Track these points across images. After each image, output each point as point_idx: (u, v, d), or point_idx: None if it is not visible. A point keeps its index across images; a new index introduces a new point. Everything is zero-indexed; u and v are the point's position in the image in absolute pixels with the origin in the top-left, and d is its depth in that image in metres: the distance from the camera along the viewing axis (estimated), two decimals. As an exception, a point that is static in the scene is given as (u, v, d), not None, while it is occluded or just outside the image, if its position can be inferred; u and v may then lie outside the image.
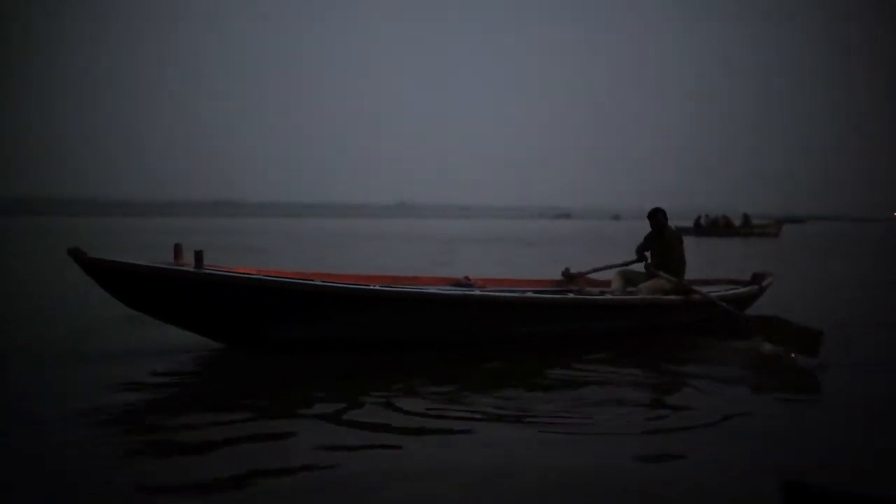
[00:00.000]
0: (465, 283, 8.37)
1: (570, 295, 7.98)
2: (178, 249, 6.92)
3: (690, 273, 8.94)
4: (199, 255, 6.41)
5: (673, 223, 9.10)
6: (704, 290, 8.55)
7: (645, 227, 9.17)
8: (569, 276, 9.06)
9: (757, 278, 9.43)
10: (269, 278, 6.61)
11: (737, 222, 44.79)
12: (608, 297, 7.98)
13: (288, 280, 6.65)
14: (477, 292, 7.53)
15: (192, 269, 6.34)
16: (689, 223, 44.92)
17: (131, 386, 5.62)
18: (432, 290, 7.33)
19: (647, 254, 8.80)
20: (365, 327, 6.66)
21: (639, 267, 8.75)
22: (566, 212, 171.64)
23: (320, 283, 6.77)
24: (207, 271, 6.39)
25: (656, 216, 8.80)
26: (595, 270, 9.15)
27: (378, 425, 4.67)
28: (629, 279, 8.64)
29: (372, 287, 6.96)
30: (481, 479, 3.81)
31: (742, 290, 8.91)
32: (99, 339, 7.33)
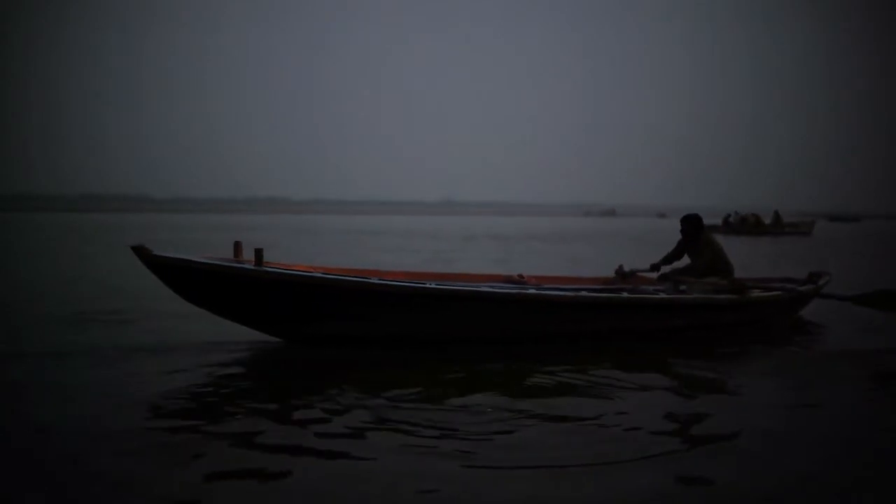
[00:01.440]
0: (519, 280, 8.39)
1: (624, 293, 7.97)
2: (238, 247, 7.07)
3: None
4: (258, 253, 6.55)
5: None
6: (759, 289, 8.48)
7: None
8: (622, 274, 9.04)
9: (813, 277, 9.34)
10: (326, 276, 6.72)
11: (767, 220, 43.58)
12: (662, 295, 7.96)
13: (344, 278, 6.76)
14: (531, 290, 7.55)
15: (251, 266, 6.48)
16: (718, 220, 44.29)
17: (189, 378, 5.76)
18: (486, 287, 7.37)
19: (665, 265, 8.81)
20: (420, 325, 6.73)
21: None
22: (611, 209, 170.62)
23: (376, 281, 6.87)
24: (267, 268, 6.52)
25: (690, 224, 8.80)
26: (653, 268, 9.09)
27: (417, 424, 4.68)
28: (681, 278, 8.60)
29: (427, 285, 7.03)
30: (527, 481, 3.84)
31: (799, 289, 8.82)
32: (165, 334, 7.48)
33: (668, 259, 8.97)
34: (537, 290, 7.71)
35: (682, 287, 8.34)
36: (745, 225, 42.69)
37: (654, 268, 8.82)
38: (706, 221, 8.99)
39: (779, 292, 8.54)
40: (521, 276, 8.55)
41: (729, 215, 45.41)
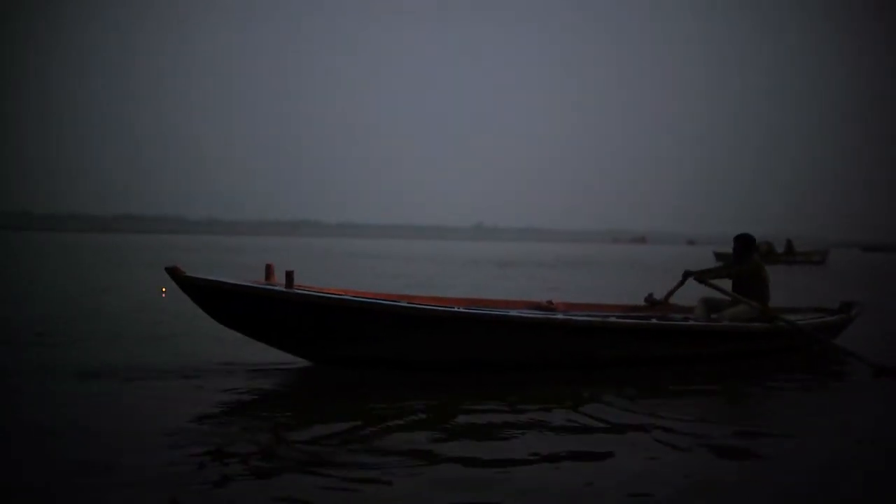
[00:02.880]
0: (548, 307, 8.39)
1: (653, 321, 7.96)
2: (269, 269, 7.15)
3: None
4: (289, 276, 6.64)
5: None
6: (790, 317, 8.43)
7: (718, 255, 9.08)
8: (652, 302, 9.00)
9: (845, 307, 9.25)
10: (356, 299, 6.79)
11: (779, 249, 42.74)
12: (691, 322, 7.94)
13: (374, 301, 6.82)
14: (560, 316, 7.56)
15: (283, 289, 6.56)
16: (728, 248, 43.74)
17: (217, 399, 5.83)
18: (514, 313, 7.39)
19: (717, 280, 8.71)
20: (448, 350, 6.76)
21: (719, 292, 8.67)
22: (641, 236, 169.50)
23: (406, 305, 6.91)
24: (298, 291, 6.59)
25: (740, 243, 8.73)
26: (671, 293, 9.00)
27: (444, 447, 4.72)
28: (712, 306, 8.57)
29: (457, 309, 7.07)
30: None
31: (830, 318, 8.75)
32: (195, 355, 7.56)
33: (716, 272, 8.83)
34: (566, 316, 7.71)
35: (714, 315, 8.31)
36: (757, 253, 42.13)
37: (702, 274, 8.67)
38: (720, 249, 8.92)
39: (810, 321, 8.48)
40: (549, 302, 8.56)
41: None
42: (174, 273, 6.43)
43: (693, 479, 4.20)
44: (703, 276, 8.52)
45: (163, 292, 13.41)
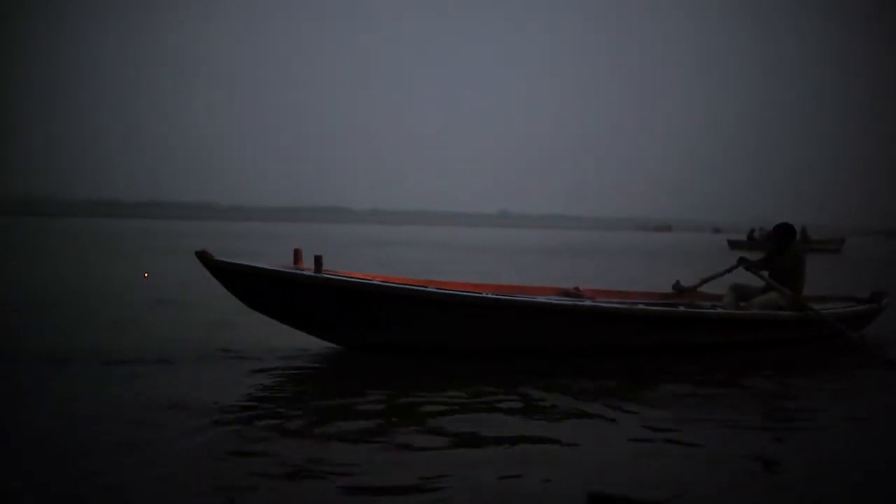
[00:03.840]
0: (575, 293, 8.37)
1: (682, 308, 7.93)
2: (298, 254, 7.19)
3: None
4: (318, 260, 6.68)
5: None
6: (820, 306, 8.36)
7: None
8: (679, 289, 8.94)
9: (876, 296, 9.17)
10: (385, 284, 6.82)
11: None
12: (720, 310, 7.90)
13: (403, 286, 6.85)
14: (588, 303, 7.55)
15: (311, 273, 6.60)
16: (743, 236, 43.32)
17: (248, 383, 5.93)
18: (542, 299, 7.39)
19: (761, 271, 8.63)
20: (477, 335, 6.78)
21: (749, 279, 8.60)
22: (667, 224, 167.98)
23: (435, 290, 6.94)
24: (326, 275, 6.63)
25: (780, 231, 8.67)
26: (704, 282, 8.98)
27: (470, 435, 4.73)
28: (741, 293, 8.51)
29: (486, 295, 7.08)
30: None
31: (860, 307, 8.68)
32: (226, 340, 7.63)
33: (757, 262, 8.75)
34: (593, 303, 7.70)
35: (742, 303, 8.26)
36: (771, 240, 41.43)
37: (754, 264, 8.60)
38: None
39: (840, 310, 8.42)
40: (577, 288, 8.54)
41: (753, 230, 44.47)
42: (204, 257, 6.50)
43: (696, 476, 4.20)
44: (755, 267, 8.45)
45: (145, 276, 14.34)
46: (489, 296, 7.10)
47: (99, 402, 5.15)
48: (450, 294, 6.87)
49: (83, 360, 6.40)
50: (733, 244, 44.37)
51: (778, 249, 8.62)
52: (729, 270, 8.72)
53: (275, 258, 7.06)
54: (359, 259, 22.62)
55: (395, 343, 6.76)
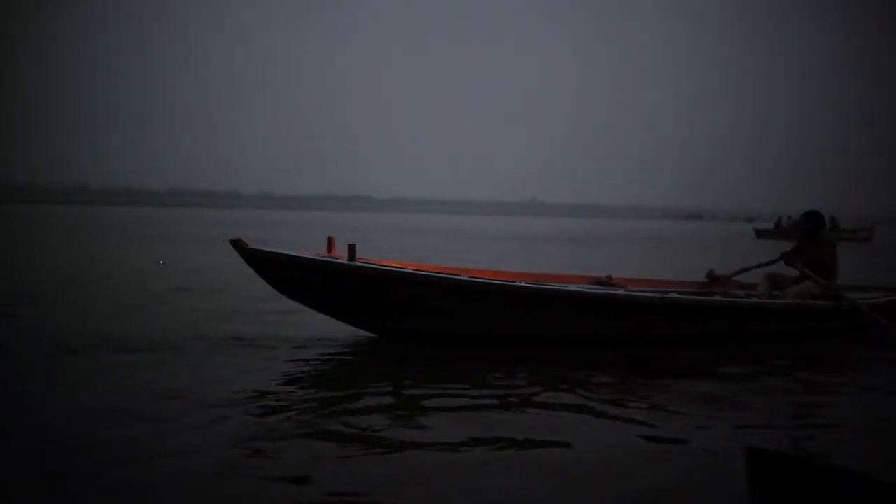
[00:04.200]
0: (608, 282, 8.31)
1: (716, 297, 7.86)
2: (330, 242, 7.21)
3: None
4: (351, 248, 6.70)
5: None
6: (856, 296, 8.25)
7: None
8: (713, 278, 8.85)
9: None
10: (419, 272, 6.82)
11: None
12: (754, 300, 7.82)
13: (437, 274, 6.85)
14: (622, 292, 7.50)
15: (345, 261, 6.61)
16: (770, 224, 42.84)
17: (282, 371, 5.94)
18: (575, 288, 7.35)
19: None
20: (510, 324, 6.76)
21: (783, 268, 8.51)
22: (697, 212, 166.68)
23: (468, 279, 6.93)
24: (360, 263, 6.65)
25: (808, 219, 8.56)
26: (740, 272, 8.92)
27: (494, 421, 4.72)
28: (776, 282, 8.41)
29: (517, 284, 7.06)
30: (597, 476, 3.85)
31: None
32: (258, 328, 7.66)
33: (790, 253, 8.65)
34: (627, 292, 7.65)
35: (776, 292, 8.17)
36: (799, 229, 40.84)
37: (784, 255, 8.51)
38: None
39: (876, 299, 8.30)
40: (609, 277, 8.47)
41: (781, 218, 43.94)
42: (238, 245, 6.54)
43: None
44: (797, 263, 8.36)
45: (160, 263, 14.51)
46: (522, 284, 7.07)
47: (125, 391, 5.16)
48: (483, 282, 6.86)
49: (98, 349, 6.39)
50: (760, 233, 43.87)
51: (806, 237, 8.53)
52: (769, 263, 8.63)
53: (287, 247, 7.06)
54: (380, 248, 22.67)
55: (427, 331, 6.77)
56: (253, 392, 5.24)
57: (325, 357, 6.43)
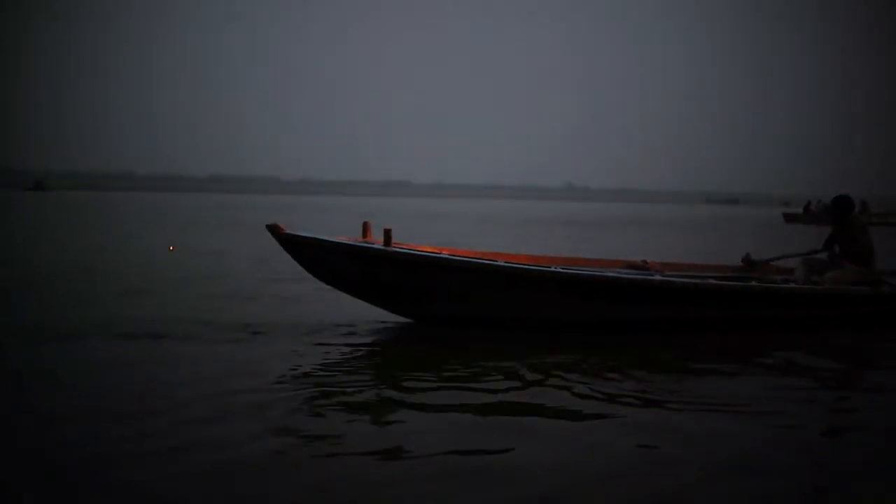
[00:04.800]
0: (643, 266, 8.28)
1: (753, 282, 7.81)
2: (366, 227, 7.27)
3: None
4: (388, 233, 6.74)
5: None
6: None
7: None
8: (749, 263, 8.78)
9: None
10: (455, 257, 6.85)
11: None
12: (792, 285, 7.76)
13: (473, 260, 6.88)
14: (658, 277, 7.48)
15: (382, 247, 6.66)
16: (799, 209, 42.03)
17: (319, 356, 5.99)
18: (612, 273, 7.34)
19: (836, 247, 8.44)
20: (546, 308, 6.78)
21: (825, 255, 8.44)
22: (734, 197, 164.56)
23: (503, 264, 6.95)
24: (397, 249, 6.70)
25: (836, 204, 8.48)
26: (779, 258, 8.85)
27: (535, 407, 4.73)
28: (813, 268, 8.33)
29: (554, 269, 7.07)
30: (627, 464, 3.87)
31: None
32: (297, 313, 7.74)
33: (828, 241, 8.57)
34: (664, 277, 7.62)
35: (814, 278, 8.09)
36: (828, 214, 40.05)
37: (828, 250, 8.45)
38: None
39: None
40: (645, 262, 8.44)
41: (809, 202, 43.01)
42: (275, 231, 6.62)
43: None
44: (839, 255, 8.28)
45: (171, 249, 14.73)
46: (558, 270, 7.08)
47: (152, 379, 5.16)
48: (519, 268, 6.87)
49: (97, 336, 6.40)
50: (789, 217, 42.95)
51: (837, 223, 8.44)
52: (811, 253, 8.53)
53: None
54: (414, 234, 22.74)
55: (464, 316, 6.80)
56: (294, 377, 5.32)
57: (361, 342, 6.47)
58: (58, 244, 16.73)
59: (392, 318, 7.12)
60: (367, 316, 7.22)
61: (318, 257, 6.71)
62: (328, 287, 7.09)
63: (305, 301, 8.35)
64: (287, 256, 6.88)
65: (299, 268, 6.92)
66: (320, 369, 5.61)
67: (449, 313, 6.81)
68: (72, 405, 4.50)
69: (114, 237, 19.29)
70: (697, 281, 7.36)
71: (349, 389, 4.98)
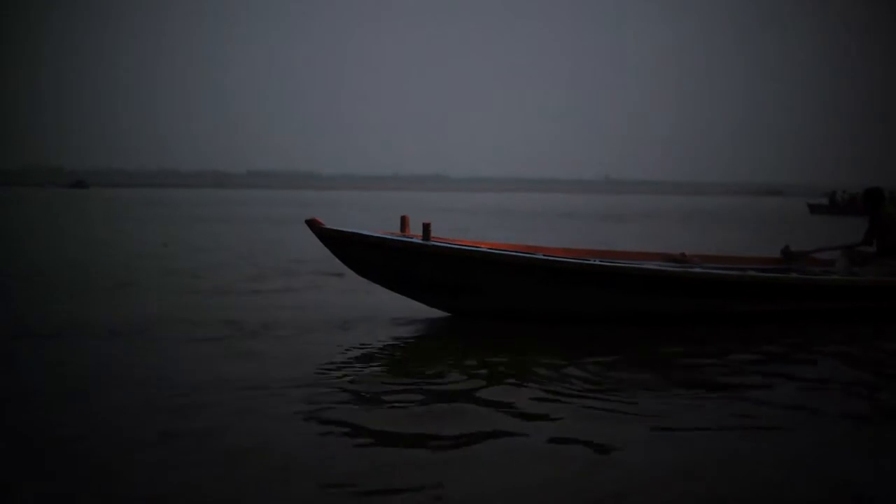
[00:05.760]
0: (682, 258, 8.26)
1: (794, 274, 7.74)
2: (404, 221, 7.31)
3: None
4: (426, 227, 6.77)
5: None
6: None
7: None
8: (788, 254, 8.70)
9: None
10: (494, 251, 6.86)
11: None
12: (834, 277, 7.68)
13: (511, 253, 6.89)
14: (698, 269, 7.45)
15: (421, 241, 6.70)
16: (825, 199, 41.14)
17: (355, 349, 6.03)
18: (652, 266, 7.32)
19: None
20: (584, 302, 6.78)
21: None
22: (777, 188, 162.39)
23: (542, 257, 6.96)
24: (435, 243, 6.73)
25: (866, 197, 8.42)
26: (819, 250, 8.77)
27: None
28: (854, 259, 8.25)
29: (593, 262, 7.07)
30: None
31: None
32: (334, 306, 7.81)
33: (867, 235, 8.48)
34: (703, 269, 7.59)
35: (856, 269, 8.01)
36: (855, 205, 38.53)
37: (877, 247, 8.37)
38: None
39: None
40: (683, 254, 8.42)
41: (835, 192, 42.08)
42: (313, 225, 6.69)
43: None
44: (868, 241, 8.21)
45: (164, 245, 14.91)
46: (598, 262, 7.08)
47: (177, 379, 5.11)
48: (560, 261, 6.88)
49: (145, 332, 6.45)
50: (814, 208, 42.04)
51: (870, 216, 8.37)
52: (851, 245, 8.44)
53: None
54: (453, 225, 22.74)
55: (503, 309, 6.84)
56: (338, 370, 5.36)
57: (403, 337, 6.50)
58: (64, 238, 17.19)
59: (428, 311, 7.16)
60: (402, 310, 7.26)
61: (356, 252, 6.77)
62: (367, 280, 7.14)
63: (354, 293, 8.40)
64: (326, 252, 6.94)
65: (345, 262, 6.93)
66: (364, 362, 5.66)
67: (488, 307, 6.84)
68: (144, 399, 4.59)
69: (147, 233, 19.57)
70: (741, 273, 7.31)
71: (393, 385, 5.00)
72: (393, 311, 7.29)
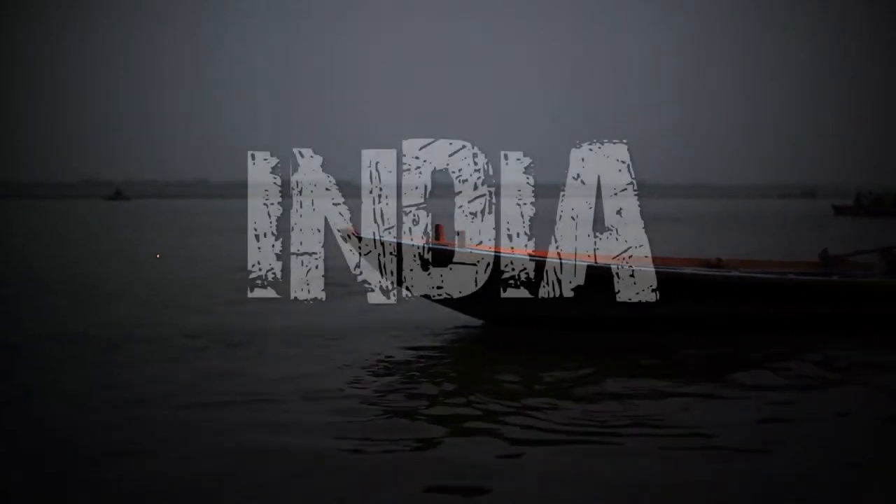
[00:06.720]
0: (717, 264, 8.16)
1: (834, 277, 7.63)
2: (439, 230, 7.27)
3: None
4: (461, 235, 6.76)
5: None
6: None
7: None
8: (826, 258, 8.53)
9: None
10: (532, 257, 6.81)
11: None
12: (876, 280, 7.55)
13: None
14: (736, 274, 7.37)
15: (454, 248, 6.69)
16: (850, 200, 40.45)
17: (389, 358, 6.08)
18: (689, 271, 7.25)
19: None
20: (624, 307, 6.70)
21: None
22: (810, 190, 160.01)
23: (576, 262, 6.90)
24: (471, 250, 6.73)
25: None
26: (858, 253, 8.62)
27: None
28: (893, 261, 8.07)
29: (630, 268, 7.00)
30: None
31: None
32: (362, 314, 7.81)
33: None
34: (742, 273, 7.50)
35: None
36: (881, 206, 38.51)
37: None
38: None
39: None
40: (719, 259, 8.31)
41: (860, 193, 41.43)
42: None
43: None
44: None
45: (157, 256, 15.11)
46: (633, 268, 7.00)
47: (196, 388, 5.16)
48: (592, 266, 6.82)
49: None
50: (838, 209, 41.45)
51: None
52: (890, 248, 8.29)
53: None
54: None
55: (537, 316, 6.82)
56: (371, 376, 5.42)
57: (437, 345, 6.52)
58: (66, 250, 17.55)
59: (462, 319, 7.16)
60: (436, 318, 7.28)
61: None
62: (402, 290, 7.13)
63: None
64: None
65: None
66: (406, 368, 5.72)
67: (523, 314, 6.81)
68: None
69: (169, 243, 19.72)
70: (777, 277, 7.22)
71: (427, 391, 5.04)
72: (427, 319, 7.30)
